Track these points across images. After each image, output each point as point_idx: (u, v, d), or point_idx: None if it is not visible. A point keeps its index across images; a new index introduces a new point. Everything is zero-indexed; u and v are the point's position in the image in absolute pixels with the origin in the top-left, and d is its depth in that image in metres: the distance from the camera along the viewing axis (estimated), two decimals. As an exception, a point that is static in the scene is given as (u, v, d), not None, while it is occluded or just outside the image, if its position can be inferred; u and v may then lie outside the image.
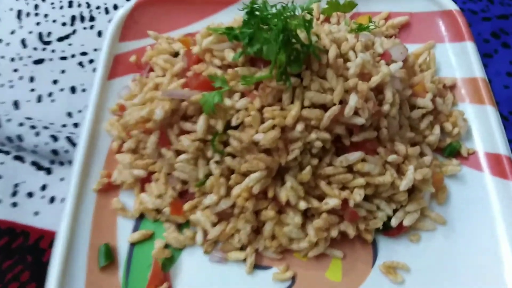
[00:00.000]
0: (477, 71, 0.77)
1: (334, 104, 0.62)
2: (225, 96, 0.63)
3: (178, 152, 0.67)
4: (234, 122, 0.62)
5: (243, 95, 0.64)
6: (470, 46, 0.80)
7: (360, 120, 0.63)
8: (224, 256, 0.66)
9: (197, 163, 0.66)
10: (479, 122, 0.75)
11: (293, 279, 0.65)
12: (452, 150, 0.74)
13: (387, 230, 0.68)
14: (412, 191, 0.69)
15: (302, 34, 0.62)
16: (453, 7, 0.83)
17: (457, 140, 0.75)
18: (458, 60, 0.81)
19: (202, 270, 0.66)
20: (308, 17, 0.60)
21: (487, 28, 0.90)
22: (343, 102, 0.64)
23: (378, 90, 0.67)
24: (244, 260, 0.66)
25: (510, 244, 0.65)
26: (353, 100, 0.62)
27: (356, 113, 0.63)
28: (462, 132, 0.74)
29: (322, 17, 0.88)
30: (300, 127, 0.61)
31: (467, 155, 0.74)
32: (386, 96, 0.66)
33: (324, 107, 0.63)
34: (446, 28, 0.83)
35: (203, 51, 0.68)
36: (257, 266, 0.66)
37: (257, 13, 0.59)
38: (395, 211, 0.68)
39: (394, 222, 0.67)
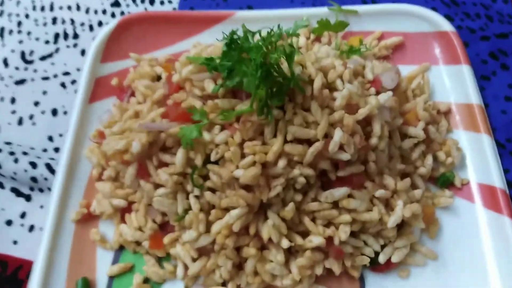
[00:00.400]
0: (473, 96, 0.74)
1: (318, 140, 0.59)
2: (204, 129, 0.60)
3: (156, 185, 0.65)
4: (213, 158, 0.60)
5: (223, 127, 0.61)
6: (466, 70, 0.76)
7: (345, 156, 0.60)
8: (205, 292, 0.64)
9: (176, 196, 0.64)
10: (474, 151, 0.72)
11: (277, 317, 0.63)
12: (445, 181, 0.71)
13: (375, 265, 0.66)
14: (402, 226, 0.67)
15: (284, 65, 0.59)
16: (449, 28, 0.79)
17: (450, 170, 0.72)
18: (453, 84, 0.78)
19: (183, 306, 0.64)
20: (289, 49, 0.57)
21: (485, 48, 0.86)
22: (328, 136, 0.61)
23: (366, 121, 0.64)
24: (226, 296, 0.64)
25: (500, 281, 0.62)
26: (338, 135, 0.59)
27: (341, 148, 0.60)
28: (456, 162, 0.71)
29: (312, 36, 0.84)
30: (282, 163, 0.59)
31: (460, 186, 0.71)
32: (374, 129, 0.63)
33: (308, 142, 0.61)
34: (442, 50, 0.80)
35: (183, 80, 0.66)
36: (240, 302, 0.64)
37: (237, 43, 0.56)
38: (383, 246, 0.66)
39: (382, 259, 0.64)
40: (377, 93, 0.70)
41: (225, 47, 0.57)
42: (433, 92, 0.79)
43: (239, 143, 0.60)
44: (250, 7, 0.94)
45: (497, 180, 0.68)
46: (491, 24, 0.90)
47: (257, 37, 0.61)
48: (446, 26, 0.79)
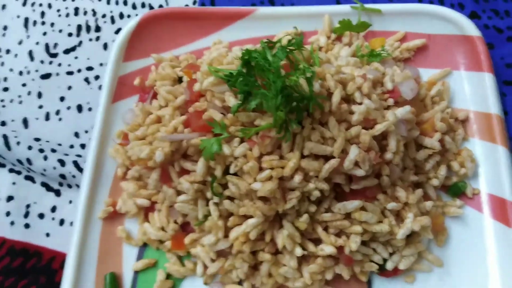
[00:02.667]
0: (493, 106, 0.74)
1: (334, 157, 0.61)
2: (224, 143, 0.63)
3: (178, 190, 0.69)
4: (232, 170, 0.63)
5: (242, 140, 0.64)
6: (488, 78, 0.75)
7: (360, 172, 0.62)
8: (222, 288, 0.70)
9: (196, 203, 0.68)
10: (488, 162, 0.73)
11: (288, 316, 0.68)
12: (456, 191, 0.73)
13: (382, 271, 0.69)
14: (411, 235, 0.69)
15: (304, 83, 0.60)
16: (474, 32, 0.77)
17: (463, 180, 0.73)
18: (473, 91, 0.77)
19: (202, 300, 0.70)
20: (308, 70, 0.57)
21: (511, 51, 0.83)
22: (344, 151, 0.63)
23: (382, 135, 0.65)
24: (242, 293, 0.69)
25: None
26: (353, 153, 0.61)
27: (356, 164, 0.62)
28: (470, 173, 0.72)
29: (333, 35, 0.83)
30: (298, 178, 0.61)
31: (472, 196, 0.73)
32: (390, 145, 0.64)
33: (324, 157, 0.62)
34: (465, 55, 0.78)
35: (204, 90, 0.67)
36: (254, 299, 0.70)
37: (254, 65, 0.57)
38: (391, 253, 0.69)
39: (390, 266, 0.68)
40: (396, 103, 0.70)
41: (241, 68, 0.58)
42: (453, 98, 0.78)
43: (257, 157, 0.62)
44: (271, 2, 0.93)
45: (509, 193, 0.69)
46: (520, 23, 0.87)
47: (275, 48, 0.61)
48: (471, 30, 0.77)
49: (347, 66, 0.71)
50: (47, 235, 0.77)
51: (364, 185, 0.65)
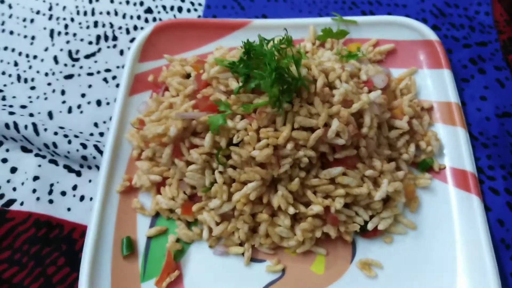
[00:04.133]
0: (452, 96, 0.88)
1: (319, 128, 0.74)
2: (228, 118, 0.75)
3: (188, 163, 0.80)
4: (235, 140, 0.75)
5: (243, 117, 0.76)
6: (447, 73, 0.90)
7: (341, 141, 0.74)
8: (225, 250, 0.79)
9: (204, 172, 0.79)
10: (450, 141, 0.86)
11: (283, 271, 0.78)
12: (425, 166, 0.85)
13: (364, 232, 0.80)
14: (387, 200, 0.81)
15: (293, 68, 0.74)
16: (434, 37, 0.93)
17: (430, 157, 0.86)
18: (435, 85, 0.92)
19: (207, 261, 0.79)
20: (296, 56, 0.72)
21: (466, 55, 0.99)
22: (327, 125, 0.75)
23: (359, 114, 0.79)
24: (243, 254, 0.79)
25: (466, 249, 0.76)
26: (335, 124, 0.74)
27: (338, 135, 0.75)
28: (435, 150, 0.85)
29: (317, 42, 0.99)
30: (290, 146, 0.73)
31: (438, 170, 0.85)
32: (365, 120, 0.77)
33: (311, 129, 0.75)
34: (427, 56, 0.94)
35: (211, 78, 0.81)
36: (253, 259, 0.79)
37: (253, 51, 0.71)
38: (371, 217, 0.80)
39: (370, 226, 0.79)
40: (370, 91, 0.84)
41: (243, 55, 0.72)
42: (419, 92, 0.93)
43: (255, 130, 0.75)
44: (264, 16, 1.09)
45: (468, 165, 0.82)
46: (473, 33, 1.04)
47: (270, 43, 0.76)
48: (431, 35, 0.94)
49: (328, 61, 0.86)
50: (68, 209, 0.86)
51: (345, 154, 0.77)
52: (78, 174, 0.90)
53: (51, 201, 0.86)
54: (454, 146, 0.86)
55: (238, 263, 0.78)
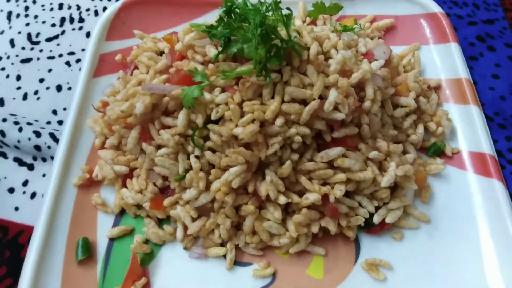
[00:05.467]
0: (462, 71, 0.78)
1: (314, 99, 0.62)
2: (205, 91, 0.63)
3: (159, 147, 0.67)
4: (213, 116, 0.62)
5: (223, 90, 0.64)
6: (454, 47, 0.80)
7: (340, 116, 0.62)
8: (204, 252, 0.66)
9: (177, 158, 0.66)
10: (464, 122, 0.75)
11: (274, 275, 0.65)
12: (436, 150, 0.74)
13: (369, 227, 0.68)
14: (395, 189, 0.69)
15: (282, 32, 0.63)
16: (438, 9, 0.83)
17: (441, 139, 0.75)
18: (442, 61, 0.82)
19: (181, 266, 0.65)
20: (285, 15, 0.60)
21: (472, 32, 0.90)
22: (323, 98, 0.64)
23: (360, 87, 0.67)
24: (224, 256, 0.66)
25: (492, 243, 0.64)
26: (333, 95, 0.62)
27: (336, 108, 0.63)
28: (446, 131, 0.74)
29: (308, 19, 0.88)
30: (279, 121, 0.61)
31: (451, 155, 0.74)
32: (367, 92, 0.66)
33: (304, 102, 0.63)
34: (431, 30, 0.84)
35: (186, 47, 0.69)
36: (237, 262, 0.66)
37: (236, 10, 0.60)
38: (377, 208, 0.67)
39: (376, 219, 0.66)
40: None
41: (223, 14, 0.61)
42: (424, 70, 0.83)
43: (238, 103, 0.62)
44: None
45: (486, 147, 0.71)
46: (477, 11, 0.95)
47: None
48: (434, 7, 0.84)
49: (322, 31, 0.75)
50: (16, 209, 0.72)
51: (345, 133, 0.65)
52: (31, 167, 0.76)
53: (-5, 199, 0.72)
54: (468, 127, 0.75)
55: (219, 267, 0.66)
